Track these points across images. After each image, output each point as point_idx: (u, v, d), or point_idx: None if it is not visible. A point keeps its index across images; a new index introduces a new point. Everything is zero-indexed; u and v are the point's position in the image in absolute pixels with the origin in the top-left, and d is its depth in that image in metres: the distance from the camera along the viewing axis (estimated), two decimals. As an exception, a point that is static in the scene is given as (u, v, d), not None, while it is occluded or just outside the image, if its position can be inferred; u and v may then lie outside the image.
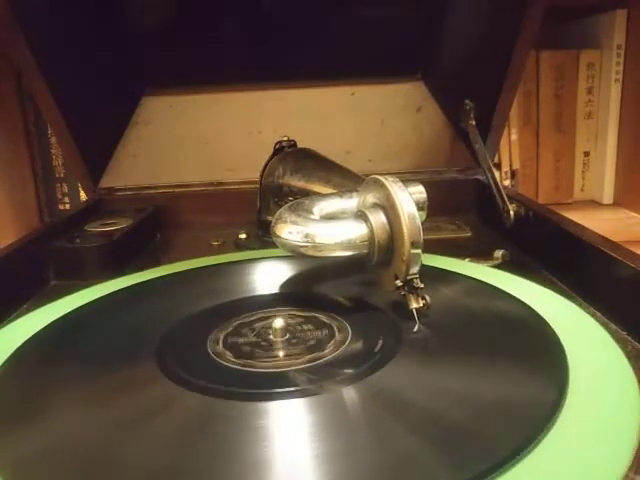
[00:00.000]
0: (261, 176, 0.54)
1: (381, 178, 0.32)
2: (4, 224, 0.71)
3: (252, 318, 0.34)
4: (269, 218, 0.35)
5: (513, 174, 0.80)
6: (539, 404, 0.23)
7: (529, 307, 0.32)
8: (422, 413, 0.24)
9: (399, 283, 0.31)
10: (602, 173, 0.80)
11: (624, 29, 0.74)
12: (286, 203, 0.35)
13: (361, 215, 0.33)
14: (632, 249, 0.35)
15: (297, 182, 0.47)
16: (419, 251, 0.30)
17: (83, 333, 0.34)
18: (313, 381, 0.27)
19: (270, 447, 0.22)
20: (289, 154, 0.52)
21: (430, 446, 0.22)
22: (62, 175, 0.77)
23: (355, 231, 0.32)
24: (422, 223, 0.31)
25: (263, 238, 0.53)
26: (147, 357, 0.29)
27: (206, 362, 0.29)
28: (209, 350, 0.30)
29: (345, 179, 0.42)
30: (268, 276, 0.41)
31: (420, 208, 0.34)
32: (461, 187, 0.63)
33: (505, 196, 0.49)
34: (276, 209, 0.35)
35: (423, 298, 0.31)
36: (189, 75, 0.66)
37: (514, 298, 0.34)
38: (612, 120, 0.77)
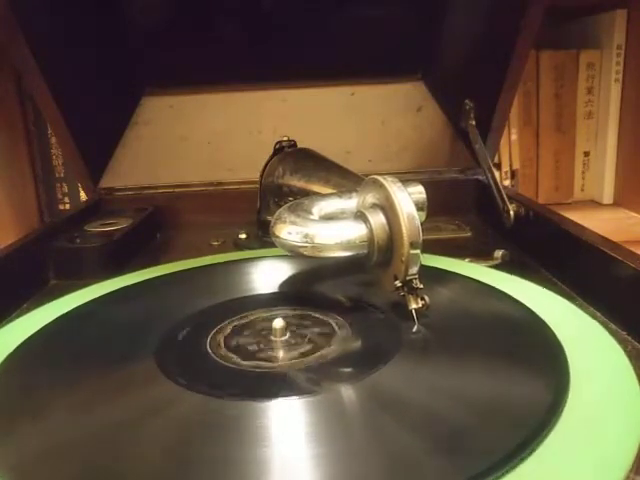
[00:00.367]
0: (261, 176, 0.54)
1: (380, 178, 0.32)
2: (4, 224, 0.71)
3: (252, 318, 0.34)
4: (269, 218, 0.35)
5: (513, 174, 0.80)
6: (539, 404, 0.23)
7: (529, 308, 0.32)
8: (421, 413, 0.24)
9: (398, 283, 0.31)
10: (602, 173, 0.80)
11: (624, 29, 0.74)
12: (286, 203, 0.35)
13: (360, 215, 0.33)
14: (632, 249, 0.35)
15: (297, 182, 0.47)
16: (418, 251, 0.30)
17: (83, 333, 0.34)
18: (313, 381, 0.27)
19: (270, 447, 0.22)
20: (289, 154, 0.52)
21: (430, 446, 0.22)
22: (62, 175, 0.77)
23: (354, 231, 0.32)
24: (422, 223, 0.31)
25: (263, 238, 0.53)
26: (147, 357, 0.29)
27: (206, 362, 0.29)
28: (209, 350, 0.30)
29: (345, 179, 0.42)
30: (268, 276, 0.41)
31: (420, 208, 0.34)
32: (461, 187, 0.63)
33: (505, 196, 0.49)
34: (276, 209, 0.35)
35: (422, 298, 0.31)
36: (189, 75, 0.66)
37: (514, 299, 0.34)
38: (612, 120, 0.77)
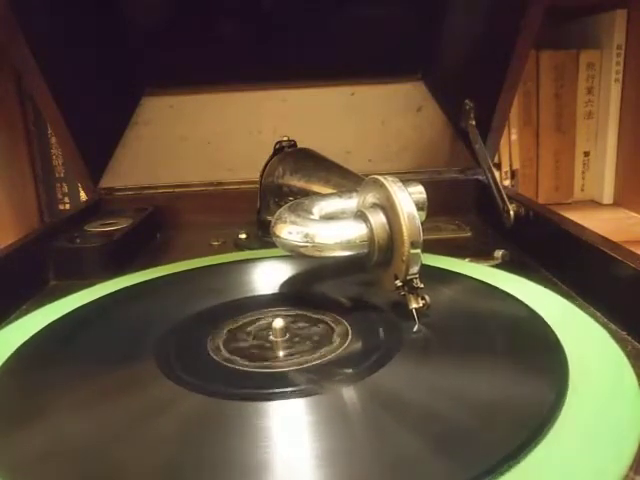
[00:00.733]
0: (261, 176, 0.54)
1: (380, 178, 0.32)
2: (4, 224, 0.71)
3: (252, 318, 0.34)
4: (269, 218, 0.35)
5: (513, 174, 0.80)
6: (539, 404, 0.23)
7: (529, 307, 0.32)
8: (422, 413, 0.24)
9: (399, 283, 0.31)
10: (602, 173, 0.80)
11: (624, 29, 0.74)
12: (286, 203, 0.35)
13: (361, 215, 0.33)
14: (632, 249, 0.35)
15: (297, 182, 0.47)
16: (419, 251, 0.30)
17: (83, 333, 0.34)
18: (313, 381, 0.27)
19: (270, 447, 0.22)
20: (289, 154, 0.52)
21: (430, 446, 0.22)
22: (62, 175, 0.77)
23: (355, 231, 0.32)
24: (422, 223, 0.31)
25: (263, 238, 0.53)
26: (147, 357, 0.29)
27: (206, 362, 0.29)
28: (209, 350, 0.30)
29: (345, 179, 0.42)
30: (268, 276, 0.41)
31: (420, 208, 0.34)
32: (461, 187, 0.63)
33: (505, 196, 0.49)
34: (276, 209, 0.35)
35: (423, 298, 0.31)
36: (189, 75, 0.66)
37: (514, 298, 0.34)
38: (612, 120, 0.77)
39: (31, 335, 0.33)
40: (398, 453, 0.21)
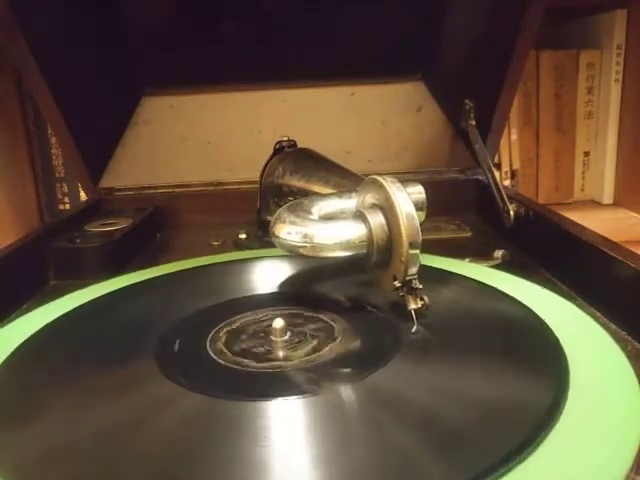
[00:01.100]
0: (261, 176, 0.54)
1: (379, 178, 0.32)
2: (4, 224, 0.71)
3: (252, 318, 0.34)
4: (269, 218, 0.35)
5: (513, 174, 0.80)
6: (539, 404, 0.23)
7: (528, 308, 0.32)
8: (421, 413, 0.24)
9: (398, 284, 0.31)
10: (602, 173, 0.80)
11: (624, 29, 0.74)
12: (286, 203, 0.35)
13: (360, 215, 0.33)
14: (632, 249, 0.35)
15: (297, 182, 0.47)
16: (417, 252, 0.30)
17: (83, 333, 0.34)
18: (312, 381, 0.27)
19: (270, 447, 0.22)
20: (289, 154, 0.52)
21: (429, 446, 0.22)
22: (62, 175, 0.77)
23: (354, 231, 0.32)
24: (421, 223, 0.31)
25: (263, 238, 0.53)
26: (147, 357, 0.29)
27: (206, 362, 0.29)
28: (209, 350, 0.30)
29: (345, 179, 0.42)
30: (268, 276, 0.41)
31: (419, 208, 0.34)
32: (461, 187, 0.63)
33: (505, 196, 0.49)
34: (276, 209, 0.35)
35: (422, 299, 0.31)
36: (189, 75, 0.66)
37: (513, 299, 0.34)
38: (612, 120, 0.77)
39: (31, 334, 0.33)
40: (397, 453, 0.21)
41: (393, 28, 0.65)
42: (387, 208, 0.31)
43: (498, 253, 0.44)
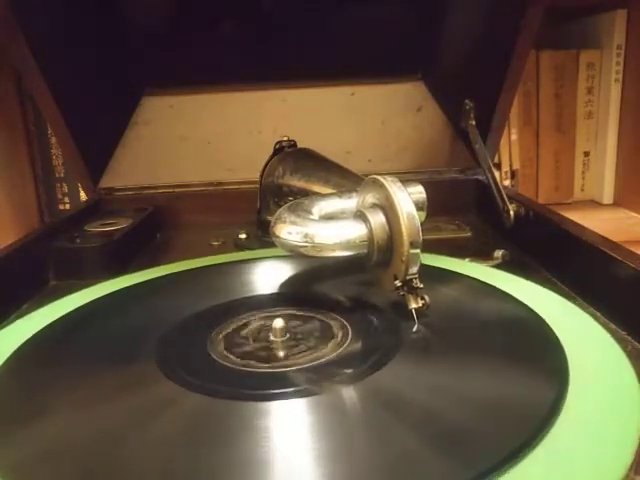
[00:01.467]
0: (261, 176, 0.54)
1: (380, 178, 0.32)
2: (4, 224, 0.71)
3: (252, 318, 0.34)
4: (269, 218, 0.35)
5: (513, 174, 0.80)
6: (539, 404, 0.23)
7: (529, 307, 0.32)
8: (422, 413, 0.24)
9: (398, 283, 0.31)
10: (602, 173, 0.80)
11: (624, 29, 0.74)
12: (286, 203, 0.35)
13: (360, 215, 0.33)
14: (632, 249, 0.35)
15: (297, 182, 0.47)
16: (418, 251, 0.30)
17: (83, 333, 0.34)
18: (313, 381, 0.27)
19: (270, 447, 0.22)
20: (289, 154, 0.52)
21: (430, 446, 0.22)
22: (62, 175, 0.77)
23: (354, 231, 0.32)
24: (422, 223, 0.31)
25: (263, 238, 0.53)
26: (147, 357, 0.29)
27: (206, 362, 0.29)
28: (209, 350, 0.30)
29: (345, 179, 0.42)
30: (268, 276, 0.41)
31: (419, 208, 0.34)
32: (461, 187, 0.63)
33: (505, 196, 0.49)
34: (276, 209, 0.35)
35: (422, 298, 0.31)
36: (189, 75, 0.66)
37: (514, 298, 0.34)
38: (612, 120, 0.77)
39: (31, 335, 0.33)
40: (398, 453, 0.21)
41: (393, 28, 0.65)
42: (388, 208, 0.31)
43: (498, 253, 0.44)
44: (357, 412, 0.25)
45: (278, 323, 0.31)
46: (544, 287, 0.36)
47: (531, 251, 0.46)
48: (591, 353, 0.28)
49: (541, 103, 0.78)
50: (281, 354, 0.29)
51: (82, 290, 0.40)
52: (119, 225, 0.52)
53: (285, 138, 0.53)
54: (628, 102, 0.75)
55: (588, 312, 0.33)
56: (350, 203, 0.35)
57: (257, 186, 0.54)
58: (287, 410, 0.25)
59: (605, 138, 0.78)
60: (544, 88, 0.78)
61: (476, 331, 0.31)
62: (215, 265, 0.44)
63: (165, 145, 0.66)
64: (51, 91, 0.54)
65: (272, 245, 0.34)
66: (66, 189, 0.77)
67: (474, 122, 0.58)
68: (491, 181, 0.51)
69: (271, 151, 0.54)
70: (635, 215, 0.75)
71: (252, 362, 0.29)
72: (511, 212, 0.48)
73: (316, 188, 0.44)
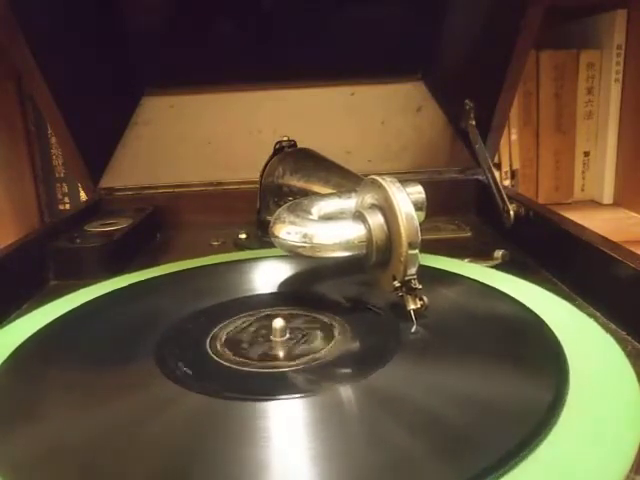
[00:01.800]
0: (261, 176, 0.54)
1: (379, 178, 0.32)
2: (4, 224, 0.71)
3: (252, 318, 0.34)
4: (269, 218, 0.35)
5: (513, 174, 0.80)
6: (539, 404, 0.23)
7: (528, 308, 0.32)
8: (421, 413, 0.24)
9: (397, 284, 0.31)
10: (602, 173, 0.80)
11: (624, 29, 0.74)
12: (286, 203, 0.35)
13: (359, 216, 0.33)
14: (632, 249, 0.35)
15: (297, 182, 0.47)
16: (417, 252, 0.30)
17: (83, 333, 0.34)
18: (312, 381, 0.27)
19: (269, 447, 0.22)
20: (289, 154, 0.52)
21: (429, 446, 0.22)
22: (62, 175, 0.77)
23: (353, 232, 0.32)
24: (421, 223, 0.31)
25: (263, 238, 0.53)
26: (147, 357, 0.29)
27: (206, 362, 0.29)
28: (209, 350, 0.30)
29: (345, 179, 0.42)
30: (268, 276, 0.41)
31: (419, 208, 0.34)
32: (461, 187, 0.63)
33: (505, 196, 0.49)
34: (276, 209, 0.35)
35: (421, 299, 0.31)
36: (189, 75, 0.66)
37: (513, 299, 0.34)
38: (612, 120, 0.77)
39: (31, 335, 0.33)
40: (397, 453, 0.21)
41: (393, 28, 0.65)
42: (386, 208, 0.31)
43: (498, 253, 0.44)
44: (356, 412, 0.25)
45: (278, 323, 0.31)
46: (544, 287, 0.36)
47: (531, 251, 0.46)
48: (591, 353, 0.28)
49: (541, 103, 0.78)
50: (281, 354, 0.29)
51: (82, 290, 0.40)
52: (119, 225, 0.52)
53: (285, 138, 0.53)
54: (628, 102, 0.75)
55: (588, 312, 0.33)
56: (349, 203, 0.35)
57: (257, 186, 0.54)
58: (286, 410, 0.25)
59: (605, 138, 0.78)
60: (544, 88, 0.78)
61: (475, 332, 0.31)
62: (215, 265, 0.44)
63: (165, 145, 0.66)
64: (51, 91, 0.54)
65: (272, 245, 0.34)
66: (66, 189, 0.77)
67: (474, 122, 0.58)
68: (491, 181, 0.51)
69: (271, 151, 0.54)
70: (635, 215, 0.75)
71: (252, 362, 0.29)
72: (511, 212, 0.48)
73: (316, 188, 0.44)
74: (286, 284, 0.40)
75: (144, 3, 0.64)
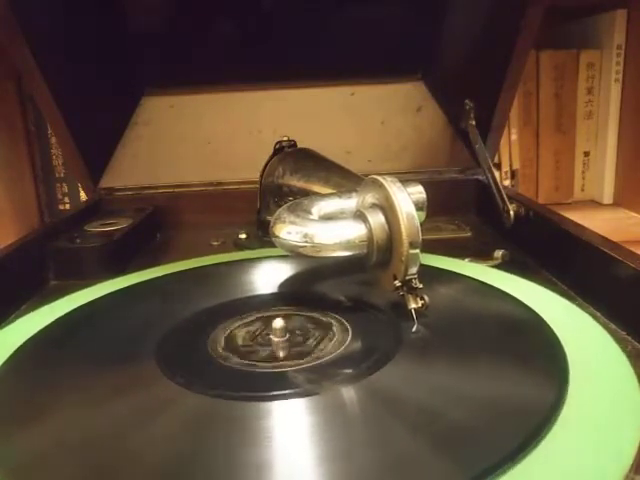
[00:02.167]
0: (261, 176, 0.54)
1: (380, 178, 0.32)
2: (4, 224, 0.71)
3: (252, 318, 0.34)
4: (269, 218, 0.35)
5: (513, 174, 0.80)
6: (539, 404, 0.23)
7: (529, 307, 0.32)
8: (422, 413, 0.24)
9: (398, 283, 0.31)
10: (602, 173, 0.80)
11: (624, 29, 0.74)
12: (286, 203, 0.35)
13: (360, 215, 0.33)
14: (632, 249, 0.35)
15: (297, 182, 0.47)
16: (417, 251, 0.30)
17: (83, 333, 0.34)
18: (313, 381, 0.27)
19: (270, 447, 0.22)
20: (289, 154, 0.52)
21: (430, 446, 0.22)
22: (62, 175, 0.77)
23: (354, 231, 0.32)
24: (421, 223, 0.31)
25: (263, 238, 0.53)
26: (147, 357, 0.29)
27: (206, 362, 0.29)
28: (209, 350, 0.30)
29: (345, 179, 0.42)
30: (268, 276, 0.41)
31: (419, 208, 0.34)
32: (461, 187, 0.63)
33: (505, 196, 0.49)
34: (276, 209, 0.35)
35: (422, 298, 0.31)
36: (189, 75, 0.66)
37: (513, 298, 0.34)
38: (612, 120, 0.77)
39: (31, 335, 0.33)
40: (398, 453, 0.21)
41: (393, 28, 0.65)
42: (387, 208, 0.31)
43: (498, 253, 0.44)
44: (357, 412, 0.25)
45: (278, 323, 0.31)
46: (544, 287, 0.36)
47: (531, 251, 0.46)
48: (591, 353, 0.28)
49: (541, 103, 0.78)
50: (281, 354, 0.29)
51: (82, 290, 0.40)
52: (119, 225, 0.52)
53: (285, 138, 0.53)
54: (628, 102, 0.75)
55: (588, 312, 0.33)
56: (350, 203, 0.35)
57: (257, 186, 0.54)
58: (287, 410, 0.25)
59: (605, 138, 0.78)
60: (544, 88, 0.78)
61: (476, 331, 0.31)
62: (215, 265, 0.44)
63: (165, 145, 0.66)
64: (51, 91, 0.54)
65: (272, 245, 0.34)
66: (66, 189, 0.77)
67: (474, 122, 0.58)
68: (491, 181, 0.51)
69: (271, 151, 0.54)
70: (635, 215, 0.75)
71: (252, 362, 0.29)
72: (511, 212, 0.48)
73: (316, 188, 0.44)
74: (286, 284, 0.40)
75: (144, 3, 0.64)
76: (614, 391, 0.25)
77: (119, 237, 0.49)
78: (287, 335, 0.31)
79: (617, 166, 0.78)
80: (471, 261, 0.43)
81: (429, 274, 0.34)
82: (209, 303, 0.36)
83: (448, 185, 0.63)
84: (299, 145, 0.53)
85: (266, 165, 0.53)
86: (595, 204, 0.81)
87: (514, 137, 0.78)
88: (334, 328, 0.32)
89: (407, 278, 0.31)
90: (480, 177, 0.61)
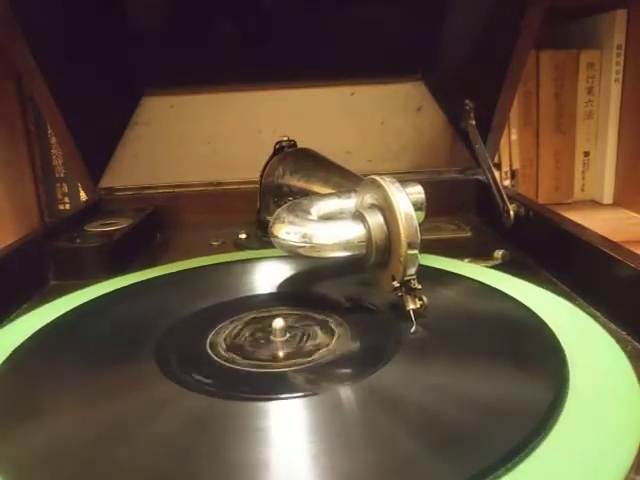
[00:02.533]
0: (261, 176, 0.54)
1: (378, 178, 0.32)
2: (4, 224, 0.71)
3: (252, 318, 0.34)
4: (269, 218, 0.35)
5: (513, 174, 0.80)
6: (539, 405, 0.23)
7: (528, 308, 0.32)
8: (421, 413, 0.24)
9: (396, 284, 0.31)
10: (602, 173, 0.80)
11: (624, 29, 0.74)
12: (286, 203, 0.35)
13: (359, 216, 0.33)
14: (632, 249, 0.35)
15: (297, 182, 0.47)
16: (416, 252, 0.30)
17: (83, 333, 0.34)
18: (312, 381, 0.27)
19: (269, 447, 0.22)
20: (289, 154, 0.52)
21: (429, 447, 0.22)
22: (62, 175, 0.77)
23: (353, 232, 0.32)
24: (420, 224, 0.31)
25: (263, 238, 0.53)
26: (147, 357, 0.29)
27: (206, 362, 0.29)
28: (209, 350, 0.30)
29: (345, 179, 0.42)
30: (268, 276, 0.41)
31: (418, 208, 0.34)
32: (461, 187, 0.63)
33: (505, 196, 0.49)
34: (276, 209, 0.35)
35: (420, 299, 0.31)
36: (189, 75, 0.66)
37: (513, 299, 0.34)
38: (612, 120, 0.77)
39: (31, 335, 0.33)
40: (397, 453, 0.21)
41: (393, 28, 0.65)
42: (386, 208, 0.31)
43: (498, 253, 0.44)
44: (356, 412, 0.25)
45: (278, 323, 0.31)
46: (544, 288, 0.36)
47: (531, 251, 0.46)
48: (591, 353, 0.28)
49: (541, 103, 0.78)
50: (281, 354, 0.30)
51: (82, 290, 0.40)
52: (119, 225, 0.52)
53: (285, 138, 0.53)
54: (628, 102, 0.75)
55: (588, 312, 0.33)
56: (349, 203, 0.35)
57: (257, 186, 0.54)
58: (286, 410, 0.25)
59: (605, 138, 0.78)
60: (544, 88, 0.78)
61: (475, 332, 0.31)
62: (215, 265, 0.44)
63: (165, 145, 0.66)
64: (51, 91, 0.54)
65: (272, 245, 0.34)
66: (66, 189, 0.77)
67: (474, 122, 0.58)
68: (491, 181, 0.51)
69: (271, 151, 0.54)
70: (635, 215, 0.75)
71: (251, 362, 0.29)
72: (511, 212, 0.48)
73: (316, 188, 0.44)
74: (286, 284, 0.40)
75: (144, 3, 0.64)
76: (614, 391, 0.25)
77: (119, 237, 0.49)
78: (287, 335, 0.31)
79: (617, 166, 0.78)
80: (471, 261, 0.43)
81: (428, 274, 0.34)
82: (209, 303, 0.36)
83: (448, 185, 0.63)
84: (299, 145, 0.53)
85: (266, 165, 0.53)
86: (595, 204, 0.81)
87: (514, 137, 0.78)
88: (333, 328, 0.32)
89: (406, 279, 0.31)
90: (480, 177, 0.61)
